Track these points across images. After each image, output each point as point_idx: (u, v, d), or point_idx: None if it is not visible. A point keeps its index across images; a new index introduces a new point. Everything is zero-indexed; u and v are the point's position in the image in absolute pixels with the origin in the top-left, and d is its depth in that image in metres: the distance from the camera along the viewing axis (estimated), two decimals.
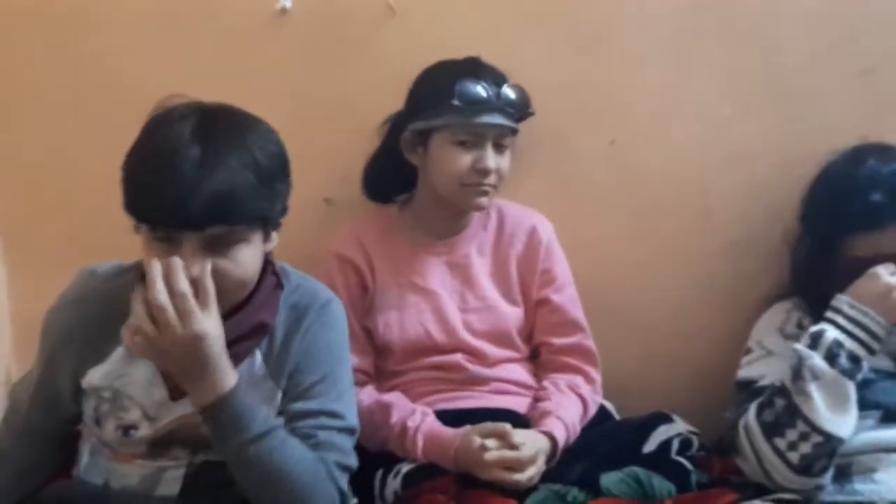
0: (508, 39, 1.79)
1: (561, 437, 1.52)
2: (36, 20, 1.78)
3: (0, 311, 1.82)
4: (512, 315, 1.69)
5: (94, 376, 1.28)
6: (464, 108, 1.56)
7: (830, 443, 1.41)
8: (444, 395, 1.62)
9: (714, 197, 1.83)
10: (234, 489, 1.25)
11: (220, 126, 1.19)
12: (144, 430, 1.29)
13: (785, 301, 1.65)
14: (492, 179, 1.61)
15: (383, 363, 1.67)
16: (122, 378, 1.28)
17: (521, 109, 1.62)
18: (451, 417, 1.54)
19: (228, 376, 1.19)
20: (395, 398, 1.58)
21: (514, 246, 1.71)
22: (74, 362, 1.30)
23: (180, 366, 1.18)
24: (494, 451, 1.43)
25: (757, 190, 1.79)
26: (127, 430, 1.29)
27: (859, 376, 1.44)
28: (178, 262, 1.15)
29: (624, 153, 1.83)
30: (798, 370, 1.45)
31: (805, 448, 1.41)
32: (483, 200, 1.62)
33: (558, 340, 1.69)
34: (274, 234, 1.29)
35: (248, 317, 1.26)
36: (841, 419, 1.42)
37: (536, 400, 1.63)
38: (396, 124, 1.68)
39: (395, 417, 1.53)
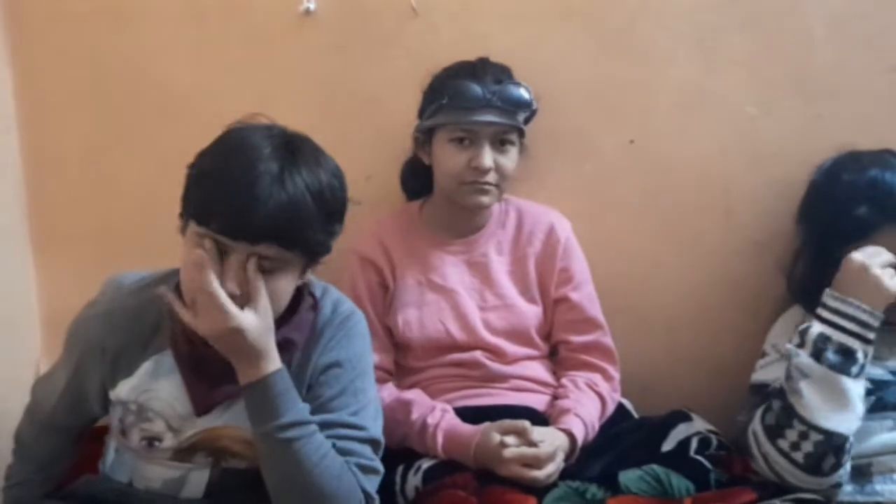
0: (531, 37, 1.80)
1: (580, 435, 1.53)
2: (68, 21, 1.81)
3: (30, 308, 1.86)
4: (530, 313, 1.70)
5: (123, 390, 1.31)
6: (454, 106, 1.57)
7: (832, 440, 1.40)
8: (463, 392, 1.64)
9: (736, 195, 1.82)
10: (258, 493, 1.27)
11: (300, 151, 1.23)
12: (168, 442, 1.31)
13: (800, 305, 1.65)
14: (491, 178, 1.61)
15: (403, 360, 1.70)
16: (148, 393, 1.31)
17: (521, 106, 1.61)
18: (470, 414, 1.56)
19: (273, 361, 1.23)
20: (415, 395, 1.60)
21: (533, 244, 1.72)
22: (103, 375, 1.32)
23: (226, 350, 1.22)
24: (513, 448, 1.45)
25: (780, 188, 1.77)
26: (151, 441, 1.32)
27: (855, 369, 1.43)
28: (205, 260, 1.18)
29: (646, 150, 1.83)
30: (788, 370, 1.45)
31: (807, 447, 1.41)
32: (483, 199, 1.63)
33: (577, 338, 1.70)
34: (309, 272, 1.31)
35: (278, 335, 1.26)
36: (839, 415, 1.41)
37: (555, 398, 1.64)
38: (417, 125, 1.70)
39: (415, 414, 1.55)
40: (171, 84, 1.81)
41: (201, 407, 1.30)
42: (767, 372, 1.58)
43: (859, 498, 1.46)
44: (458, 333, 1.66)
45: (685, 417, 1.60)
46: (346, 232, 1.74)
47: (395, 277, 1.69)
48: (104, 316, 1.33)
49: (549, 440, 1.47)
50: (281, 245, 1.20)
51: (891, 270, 1.46)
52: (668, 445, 1.53)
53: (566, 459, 1.50)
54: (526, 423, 1.47)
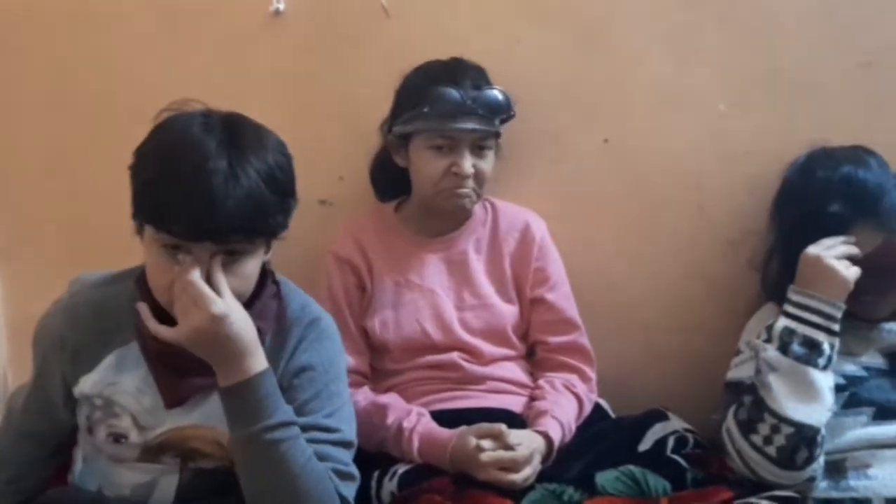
0: (504, 37, 1.79)
1: (556, 437, 1.53)
2: (33, 21, 1.78)
3: None
4: (508, 313, 1.69)
5: (86, 384, 1.29)
6: (436, 114, 1.56)
7: (803, 432, 1.41)
8: (440, 395, 1.63)
9: (710, 193, 1.82)
10: (229, 497, 1.26)
11: (243, 138, 1.20)
12: (134, 439, 1.29)
13: (774, 302, 1.65)
14: (470, 183, 1.61)
15: (380, 362, 1.68)
16: (113, 386, 1.29)
17: (500, 112, 1.61)
18: (447, 417, 1.55)
19: (258, 361, 1.21)
20: (391, 399, 1.59)
21: (508, 244, 1.71)
22: (65, 370, 1.30)
23: (210, 350, 1.19)
24: (490, 452, 1.44)
25: (753, 185, 1.78)
26: (118, 437, 1.30)
27: (821, 360, 1.44)
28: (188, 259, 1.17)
29: (620, 149, 1.83)
30: (757, 364, 1.46)
31: (780, 440, 1.42)
32: (463, 202, 1.63)
33: (554, 339, 1.69)
34: (272, 246, 1.30)
35: None
36: (808, 407, 1.42)
37: (532, 399, 1.64)
38: (386, 125, 1.69)
39: (391, 419, 1.54)
40: (140, 85, 1.79)
41: (171, 399, 1.27)
42: (741, 370, 1.59)
43: (834, 493, 1.47)
44: (434, 333, 1.65)
45: (662, 416, 1.60)
46: (320, 235, 1.75)
47: (372, 278, 1.68)
48: (64, 310, 1.31)
49: (526, 443, 1.47)
50: (244, 237, 1.19)
51: (846, 261, 1.47)
52: (644, 445, 1.53)
53: (543, 462, 1.49)
54: (502, 427, 1.46)
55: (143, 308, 1.22)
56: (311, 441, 1.25)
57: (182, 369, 1.25)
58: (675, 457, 1.50)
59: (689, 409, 1.66)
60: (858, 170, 1.55)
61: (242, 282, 1.23)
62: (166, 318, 1.22)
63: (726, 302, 1.81)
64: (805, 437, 1.41)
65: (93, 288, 1.33)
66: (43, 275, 1.77)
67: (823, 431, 1.43)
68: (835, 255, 1.48)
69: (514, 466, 1.43)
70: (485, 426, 1.47)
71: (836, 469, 1.48)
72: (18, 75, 1.79)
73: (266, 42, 1.79)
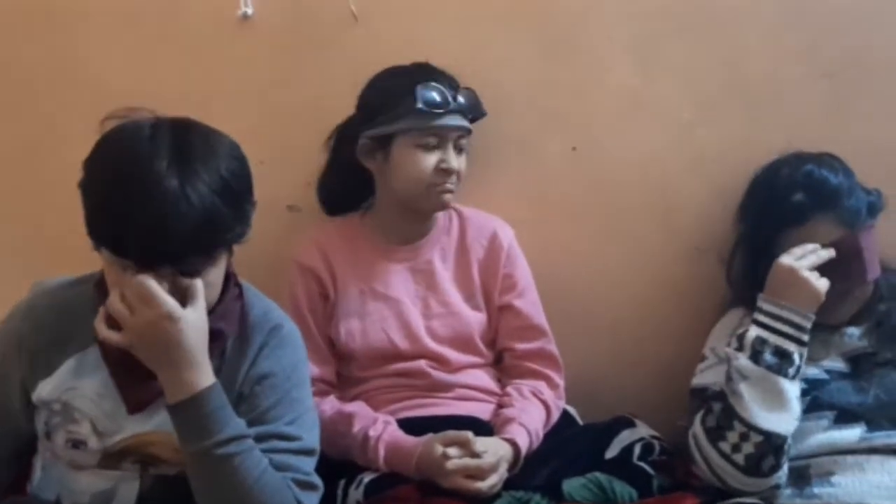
0: (472, 42, 1.79)
1: (524, 444, 1.53)
2: None
3: None
4: (475, 320, 1.69)
5: (44, 389, 1.27)
6: (426, 111, 1.57)
7: (771, 440, 1.42)
8: (407, 402, 1.62)
9: (676, 200, 1.83)
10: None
11: (194, 152, 1.15)
12: (94, 445, 1.27)
13: (739, 307, 1.67)
14: (454, 179, 1.62)
15: (346, 371, 1.67)
16: (72, 391, 1.27)
17: (478, 110, 1.65)
18: (415, 425, 1.54)
19: (207, 374, 1.19)
20: (356, 408, 1.58)
21: (476, 251, 1.71)
22: (24, 374, 1.28)
23: (154, 352, 1.17)
24: (456, 460, 1.44)
25: (719, 193, 1.79)
26: (76, 444, 1.27)
27: (791, 370, 1.46)
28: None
29: (587, 156, 1.83)
30: (728, 372, 1.48)
31: (748, 448, 1.43)
32: (447, 198, 1.63)
33: (521, 346, 1.70)
34: (234, 251, 1.28)
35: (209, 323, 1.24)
36: (777, 416, 1.44)
37: (500, 406, 1.64)
38: (347, 133, 1.68)
39: (356, 427, 1.53)
40: (105, 89, 1.76)
41: (133, 403, 1.25)
42: (706, 376, 1.60)
43: (798, 501, 1.48)
44: (401, 342, 1.64)
45: (629, 423, 1.61)
46: (287, 241, 1.74)
47: (336, 287, 1.66)
48: (22, 313, 1.29)
49: (493, 450, 1.47)
50: (204, 254, 1.18)
51: (816, 273, 1.50)
52: (611, 452, 1.54)
53: (510, 469, 1.49)
54: (469, 435, 1.46)
55: (102, 312, 1.20)
56: (272, 450, 1.24)
57: (143, 373, 1.22)
58: (642, 464, 1.51)
59: (656, 416, 1.67)
60: (822, 168, 1.59)
61: (208, 291, 1.21)
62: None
63: (693, 308, 1.82)
64: (773, 445, 1.43)
65: (53, 292, 1.31)
66: (2, 279, 1.74)
67: (790, 440, 1.45)
68: (807, 265, 1.49)
69: (480, 474, 1.43)
70: (451, 434, 1.47)
71: (800, 476, 1.49)
72: None
73: (233, 46, 1.77)
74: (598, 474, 1.45)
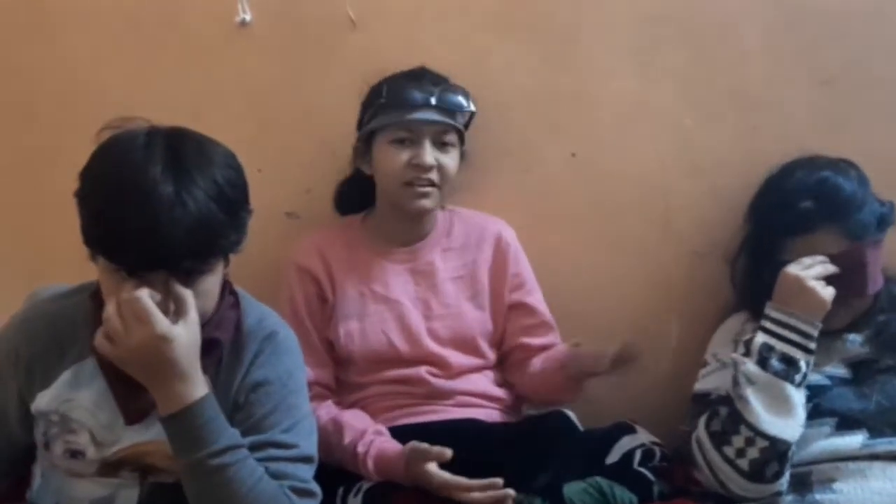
0: (472, 49, 1.79)
1: None
2: None
3: None
4: (477, 320, 1.68)
5: (42, 401, 1.27)
6: (393, 105, 1.59)
7: (776, 446, 1.42)
8: (406, 409, 1.62)
9: (675, 205, 1.83)
10: None
11: (188, 158, 1.16)
12: (92, 455, 1.27)
13: (740, 313, 1.67)
14: (433, 176, 1.61)
15: (345, 375, 1.67)
16: (69, 402, 1.26)
17: (458, 106, 1.63)
18: (414, 432, 1.53)
19: (199, 385, 1.18)
20: (349, 417, 1.57)
21: (483, 251, 1.71)
22: (21, 386, 1.28)
23: (146, 370, 1.17)
24: (441, 476, 1.42)
25: (717, 198, 1.80)
26: (75, 453, 1.27)
27: (798, 377, 1.46)
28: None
29: (587, 161, 1.83)
30: (735, 377, 1.48)
31: (753, 453, 1.43)
32: (425, 203, 1.62)
33: (535, 341, 1.70)
34: (231, 260, 1.27)
35: (204, 333, 1.23)
36: (783, 422, 1.44)
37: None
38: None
39: (347, 439, 1.53)
40: (103, 95, 1.76)
41: (131, 414, 1.25)
42: (708, 381, 1.60)
43: None
44: (401, 345, 1.64)
45: (629, 429, 1.59)
46: (286, 247, 1.73)
47: (334, 289, 1.66)
48: (19, 326, 1.29)
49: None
50: (198, 261, 1.17)
51: (822, 282, 1.50)
52: (612, 458, 1.53)
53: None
54: (445, 452, 1.43)
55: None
56: (268, 458, 1.23)
57: (140, 384, 1.22)
58: (642, 470, 1.49)
59: (655, 421, 1.66)
60: (838, 176, 1.58)
61: (204, 300, 1.21)
62: None
63: (692, 314, 1.82)
64: (778, 451, 1.43)
65: (49, 302, 1.31)
66: (1, 288, 1.74)
67: (794, 447, 1.44)
68: (813, 275, 1.50)
69: (466, 488, 1.41)
70: (420, 449, 1.44)
71: (801, 483, 1.49)
72: None
73: (232, 53, 1.78)
74: (598, 479, 1.44)
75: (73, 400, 1.26)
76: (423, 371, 1.63)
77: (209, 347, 1.24)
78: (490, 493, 1.40)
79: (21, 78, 1.77)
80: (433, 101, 1.59)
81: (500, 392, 1.70)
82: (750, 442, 1.43)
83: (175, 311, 1.17)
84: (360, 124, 1.67)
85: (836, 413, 1.52)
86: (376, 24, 1.78)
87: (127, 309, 1.14)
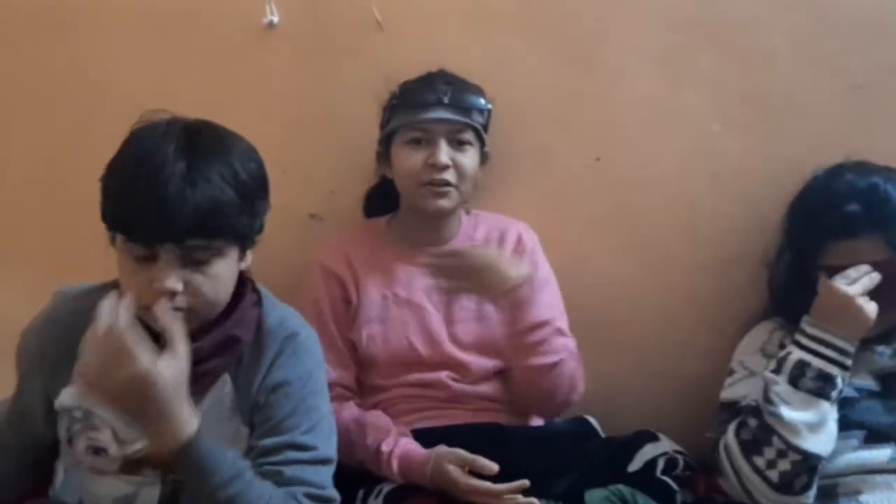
0: (496, 52, 1.79)
1: None
2: (21, 28, 1.77)
3: None
4: (500, 323, 1.66)
5: (65, 397, 1.28)
6: (406, 106, 1.60)
7: (809, 460, 1.41)
8: (427, 412, 1.62)
9: (701, 212, 1.82)
10: None
11: (204, 142, 1.20)
12: (114, 452, 1.27)
13: (768, 320, 1.65)
14: (449, 175, 1.61)
15: (367, 377, 1.66)
16: (92, 398, 1.26)
17: (471, 103, 1.63)
18: (434, 436, 1.53)
19: (187, 423, 1.17)
20: (373, 418, 1.57)
21: (504, 251, 1.70)
22: (46, 383, 1.29)
23: (131, 408, 1.17)
24: (467, 481, 1.42)
25: (744, 205, 1.78)
26: (97, 450, 1.28)
27: (834, 393, 1.44)
28: (129, 299, 1.16)
29: (611, 167, 1.82)
30: (766, 395, 1.45)
31: (784, 465, 1.41)
32: (443, 203, 1.62)
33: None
34: (249, 254, 1.28)
35: (222, 332, 1.25)
36: (815, 437, 1.42)
37: None
38: None
39: (370, 439, 1.52)
40: (130, 94, 1.76)
41: None
42: (736, 389, 1.58)
43: None
44: (423, 348, 1.63)
45: (652, 437, 1.58)
46: (309, 249, 1.74)
47: (358, 291, 1.66)
48: (44, 322, 1.31)
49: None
50: (208, 237, 1.18)
51: (866, 296, 1.46)
52: (634, 466, 1.52)
53: None
54: (477, 459, 1.43)
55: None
56: (287, 461, 1.23)
57: None
58: (665, 478, 1.49)
59: (679, 430, 1.65)
60: (888, 184, 1.54)
61: (214, 283, 1.21)
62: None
63: (718, 322, 1.80)
64: (809, 465, 1.41)
65: (74, 300, 1.32)
66: (27, 288, 1.74)
67: (825, 461, 1.42)
68: (860, 291, 1.45)
69: (495, 493, 1.41)
70: (460, 454, 1.45)
71: (827, 495, 1.47)
72: (4, 83, 1.78)
73: (259, 54, 1.78)
74: (621, 486, 1.43)
75: None
76: (443, 375, 1.63)
77: (229, 344, 1.25)
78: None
79: (46, 78, 1.79)
80: (446, 99, 1.59)
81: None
82: (782, 454, 1.41)
83: (165, 341, 1.16)
84: (381, 129, 1.68)
85: (864, 426, 1.50)
86: (403, 27, 1.78)
87: (108, 343, 1.14)
